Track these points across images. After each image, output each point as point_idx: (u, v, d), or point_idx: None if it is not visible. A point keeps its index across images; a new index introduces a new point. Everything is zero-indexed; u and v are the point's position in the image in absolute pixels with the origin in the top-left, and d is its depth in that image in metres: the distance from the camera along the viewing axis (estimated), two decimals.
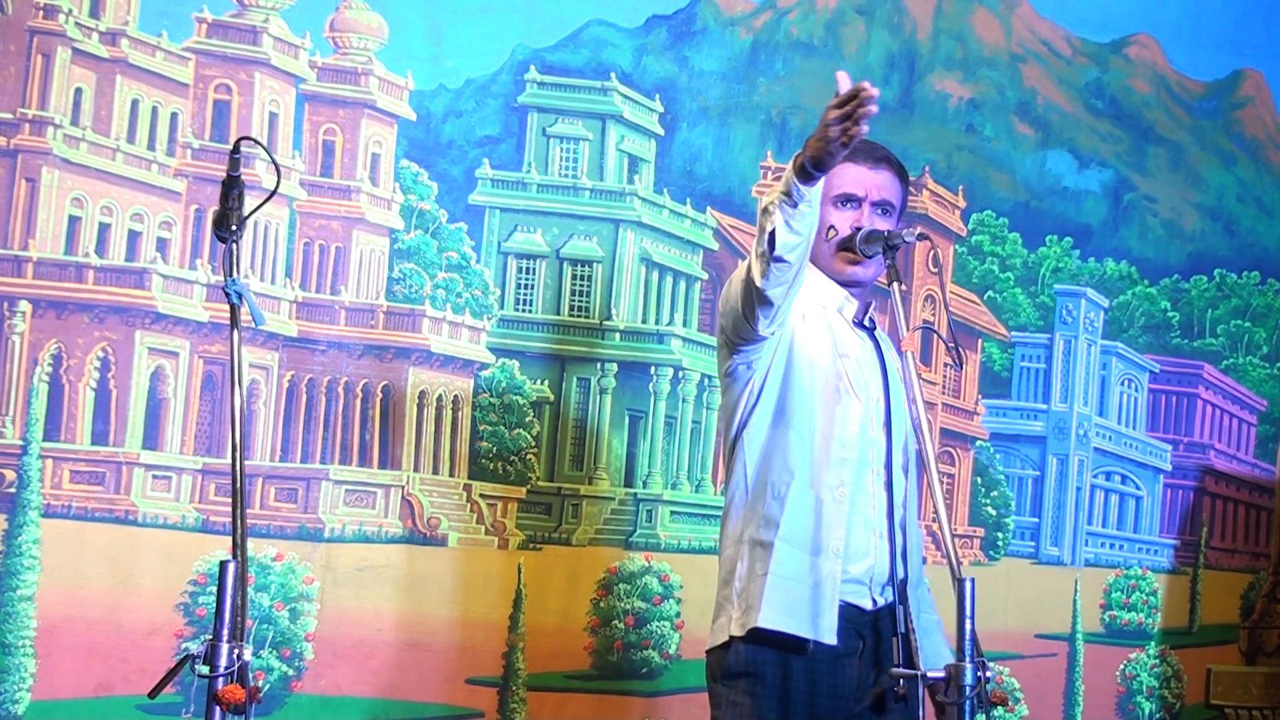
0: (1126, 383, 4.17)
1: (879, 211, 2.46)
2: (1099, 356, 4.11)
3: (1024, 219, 4.01)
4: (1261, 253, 4.21)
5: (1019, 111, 4.02)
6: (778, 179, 3.72)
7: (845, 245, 2.43)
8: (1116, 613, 4.05)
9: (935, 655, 2.35)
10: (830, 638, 2.33)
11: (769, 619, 2.33)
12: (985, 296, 4.02)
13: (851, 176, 2.46)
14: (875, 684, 2.37)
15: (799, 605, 2.33)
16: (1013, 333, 4.04)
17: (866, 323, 2.50)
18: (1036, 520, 4.05)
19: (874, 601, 2.38)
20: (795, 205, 2.19)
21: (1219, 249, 4.19)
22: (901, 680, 2.28)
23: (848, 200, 2.45)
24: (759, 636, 2.34)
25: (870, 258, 2.44)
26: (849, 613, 2.38)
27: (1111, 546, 4.11)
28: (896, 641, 2.32)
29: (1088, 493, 4.10)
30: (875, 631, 2.38)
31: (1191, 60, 4.16)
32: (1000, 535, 4.00)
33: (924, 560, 2.56)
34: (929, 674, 2.16)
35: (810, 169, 2.16)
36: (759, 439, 2.41)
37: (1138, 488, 4.16)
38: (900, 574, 2.37)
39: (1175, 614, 4.09)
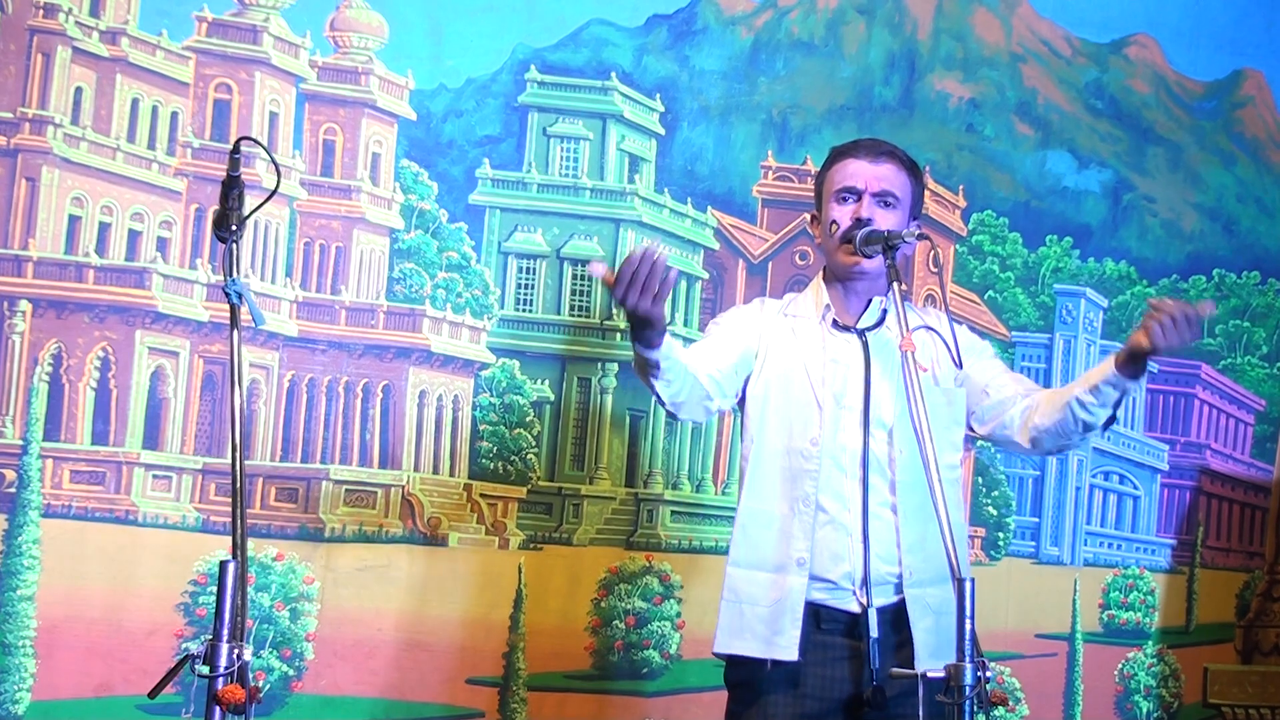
0: None
1: (880, 203, 2.48)
2: (1099, 356, 4.11)
3: (1024, 219, 4.01)
4: (1262, 253, 4.21)
5: (1019, 111, 4.02)
6: (780, 178, 3.77)
7: (848, 238, 2.46)
8: (1115, 612, 4.05)
9: None
10: (788, 654, 2.39)
11: (722, 644, 2.46)
12: (986, 296, 4.02)
13: (851, 171, 2.50)
14: (881, 684, 2.38)
15: (753, 627, 2.41)
16: (1013, 332, 4.04)
17: (862, 323, 2.50)
18: (1037, 520, 4.05)
19: (860, 604, 2.40)
20: (659, 369, 2.31)
21: (1218, 249, 4.19)
22: (874, 688, 2.32)
23: (847, 194, 2.48)
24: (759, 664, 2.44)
25: (870, 257, 2.45)
26: (836, 617, 2.41)
27: (1110, 546, 4.11)
28: (874, 645, 2.36)
29: (1086, 492, 4.10)
30: (879, 631, 2.39)
31: (1191, 60, 4.16)
32: (1001, 535, 4.00)
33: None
34: (928, 674, 2.17)
35: (645, 340, 2.26)
36: (748, 467, 2.53)
37: (1135, 487, 4.17)
38: (905, 567, 2.38)
39: (1172, 613, 4.09)
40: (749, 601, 2.43)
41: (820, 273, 2.62)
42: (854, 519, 2.41)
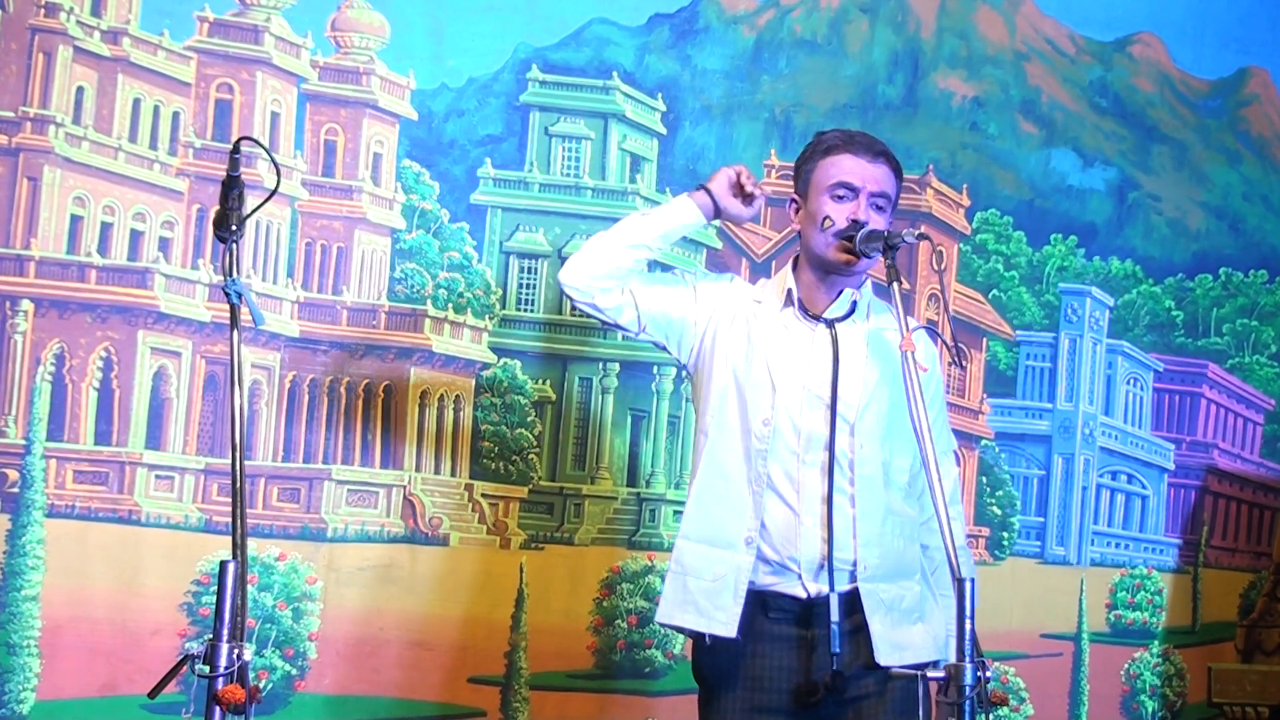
0: (1132, 381, 4.15)
1: (874, 205, 2.47)
2: (1104, 355, 4.10)
3: (1028, 217, 4.00)
4: (1269, 251, 4.20)
5: (1023, 110, 4.01)
6: (783, 177, 3.76)
7: (844, 236, 2.46)
8: (1122, 612, 4.04)
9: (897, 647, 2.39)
10: (726, 630, 2.40)
11: (664, 614, 2.48)
12: (990, 295, 4.01)
13: (849, 167, 2.48)
14: (832, 672, 2.38)
15: (695, 600, 2.43)
16: (1018, 331, 4.03)
17: (830, 313, 2.50)
18: (1042, 520, 4.03)
19: (806, 591, 2.41)
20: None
21: (1225, 247, 4.17)
22: (834, 673, 2.34)
23: (845, 191, 2.46)
24: (699, 639, 2.47)
25: (869, 257, 2.45)
26: (783, 605, 2.42)
27: (1117, 546, 4.10)
28: (835, 629, 2.37)
29: (1093, 492, 4.08)
30: (827, 620, 2.40)
31: (1196, 58, 4.15)
32: (1005, 535, 3.99)
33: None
34: (929, 674, 2.16)
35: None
36: (706, 445, 2.53)
37: (1143, 487, 4.15)
38: (860, 561, 2.39)
39: (1178, 613, 4.08)
40: (693, 574, 2.45)
41: (791, 260, 2.60)
42: (807, 504, 2.41)
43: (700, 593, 2.42)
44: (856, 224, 2.45)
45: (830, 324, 2.49)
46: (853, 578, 2.43)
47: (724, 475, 2.47)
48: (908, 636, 2.42)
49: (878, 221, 2.47)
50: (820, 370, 2.45)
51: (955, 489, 2.63)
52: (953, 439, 2.69)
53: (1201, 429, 4.18)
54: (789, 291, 2.52)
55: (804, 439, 2.43)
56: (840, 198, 2.48)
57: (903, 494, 2.50)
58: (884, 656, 2.38)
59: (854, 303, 2.52)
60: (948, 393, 4.02)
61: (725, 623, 2.40)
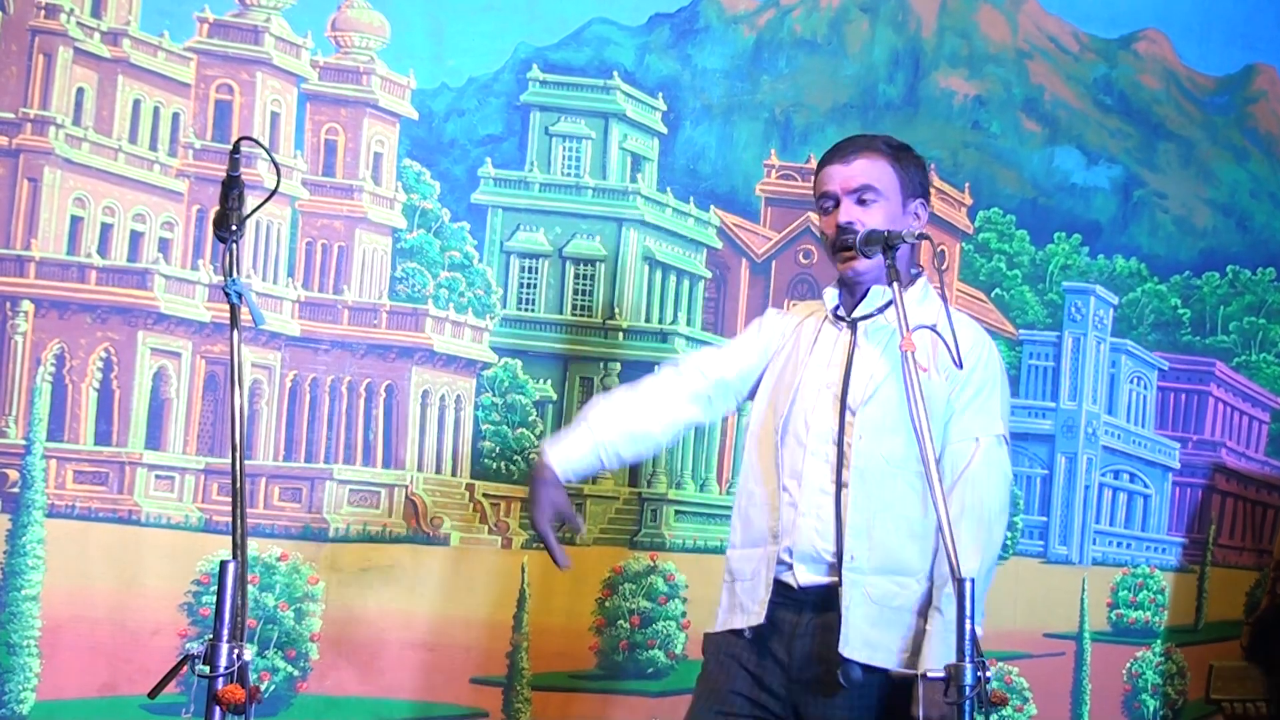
0: (1136, 380, 4.14)
1: (857, 201, 2.49)
2: (1108, 354, 4.08)
3: (1031, 216, 3.99)
4: (1277, 249, 4.18)
5: (1026, 108, 4.00)
6: (783, 177, 3.76)
7: (839, 247, 2.49)
8: (1124, 611, 4.03)
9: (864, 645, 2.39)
10: (758, 619, 2.46)
11: (720, 621, 2.54)
12: (992, 294, 3.99)
13: (824, 177, 2.56)
14: (829, 662, 2.38)
15: (743, 602, 2.50)
16: (1020, 330, 4.02)
17: (858, 312, 2.53)
18: (1045, 519, 4.02)
19: (797, 580, 2.44)
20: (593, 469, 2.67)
21: (1231, 245, 4.16)
22: (844, 666, 2.35)
23: (827, 202, 2.51)
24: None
25: (870, 257, 2.45)
26: (781, 590, 2.46)
27: (1119, 545, 4.09)
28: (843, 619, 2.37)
29: (1096, 491, 4.07)
30: (820, 609, 2.42)
31: (1202, 55, 4.13)
32: (1008, 534, 3.97)
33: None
34: (929, 674, 2.15)
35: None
36: (744, 454, 2.65)
37: (1146, 486, 4.14)
38: (846, 551, 2.39)
39: (1182, 611, 4.07)
40: (740, 579, 2.52)
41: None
42: (806, 494, 2.44)
43: (743, 593, 2.50)
44: (842, 229, 2.47)
45: (854, 323, 2.52)
46: (831, 569, 2.43)
47: (755, 478, 2.55)
48: (888, 639, 2.39)
49: (869, 215, 2.47)
50: (836, 367, 2.50)
51: (982, 475, 2.49)
52: (987, 424, 2.51)
53: (1209, 427, 4.17)
54: (828, 303, 2.60)
55: (813, 433, 2.47)
56: (825, 210, 2.53)
57: (918, 489, 2.45)
58: (851, 649, 2.36)
59: (889, 301, 2.51)
60: None
61: (757, 612, 2.46)
